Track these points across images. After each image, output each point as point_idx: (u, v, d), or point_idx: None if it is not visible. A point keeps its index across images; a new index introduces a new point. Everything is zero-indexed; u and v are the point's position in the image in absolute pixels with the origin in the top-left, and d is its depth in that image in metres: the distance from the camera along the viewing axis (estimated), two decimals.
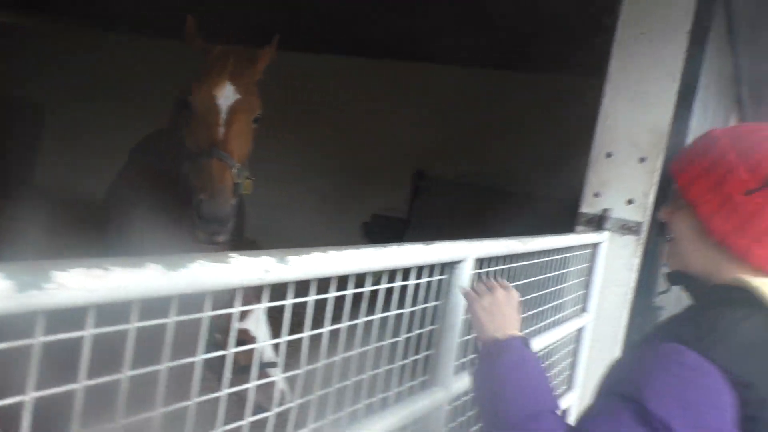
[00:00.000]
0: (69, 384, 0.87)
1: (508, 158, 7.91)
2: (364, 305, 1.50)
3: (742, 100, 6.43)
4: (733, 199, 1.29)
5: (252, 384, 1.30)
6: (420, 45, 8.36)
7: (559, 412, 1.36)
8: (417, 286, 1.73)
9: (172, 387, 1.09)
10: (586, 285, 3.39)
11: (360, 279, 1.46)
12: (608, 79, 3.39)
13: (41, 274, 0.74)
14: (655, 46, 3.27)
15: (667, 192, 3.11)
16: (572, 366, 3.43)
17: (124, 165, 3.71)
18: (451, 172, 8.62)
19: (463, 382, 1.93)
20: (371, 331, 1.59)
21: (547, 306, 2.83)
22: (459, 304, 1.82)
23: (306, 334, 1.34)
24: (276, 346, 2.15)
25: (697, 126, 3.63)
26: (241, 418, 1.22)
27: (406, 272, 1.64)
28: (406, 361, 1.77)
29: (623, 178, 3.35)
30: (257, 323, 2.04)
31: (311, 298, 1.33)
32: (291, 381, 2.05)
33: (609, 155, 3.39)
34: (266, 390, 1.89)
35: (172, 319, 0.98)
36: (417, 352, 1.83)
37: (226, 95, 2.39)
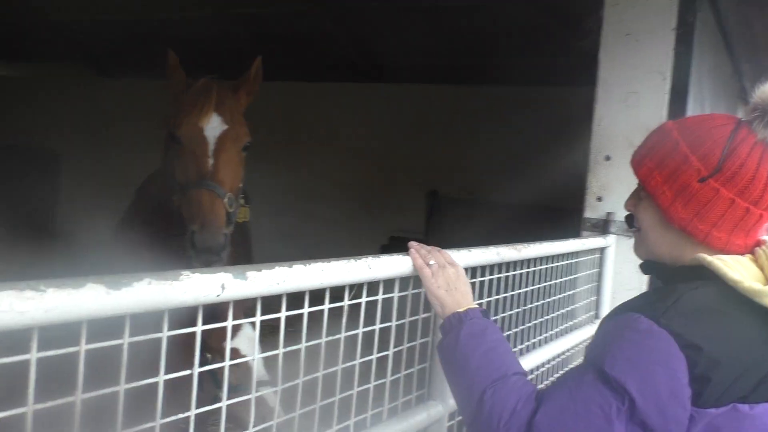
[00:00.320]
0: (19, 407, 0.87)
1: (517, 172, 7.87)
2: (344, 319, 1.49)
3: (746, 93, 6.35)
4: (689, 187, 1.36)
5: (225, 402, 1.28)
6: (421, 66, 8.46)
7: (525, 375, 1.44)
8: (405, 297, 1.71)
9: (141, 406, 1.08)
10: (597, 291, 3.33)
11: (340, 291, 1.45)
12: (599, 82, 3.37)
13: None
14: (642, 46, 3.25)
15: None
16: None
17: (129, 203, 3.77)
18: (463, 190, 8.60)
19: None
20: (358, 345, 1.57)
21: (555, 314, 2.78)
22: None
23: (280, 351, 1.33)
24: (264, 362, 2.14)
25: None
26: None
27: (389, 284, 1.63)
28: (398, 375, 1.74)
29: (624, 180, 3.30)
30: (249, 342, 2.02)
31: (290, 312, 1.32)
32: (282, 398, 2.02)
33: (608, 158, 3.36)
34: (259, 409, 1.87)
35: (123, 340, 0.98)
36: (410, 366, 1.81)
37: (212, 126, 2.41)
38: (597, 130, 3.42)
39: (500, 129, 8.13)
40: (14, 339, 0.79)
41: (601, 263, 3.29)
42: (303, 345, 1.38)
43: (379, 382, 1.65)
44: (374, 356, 1.62)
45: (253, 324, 1.30)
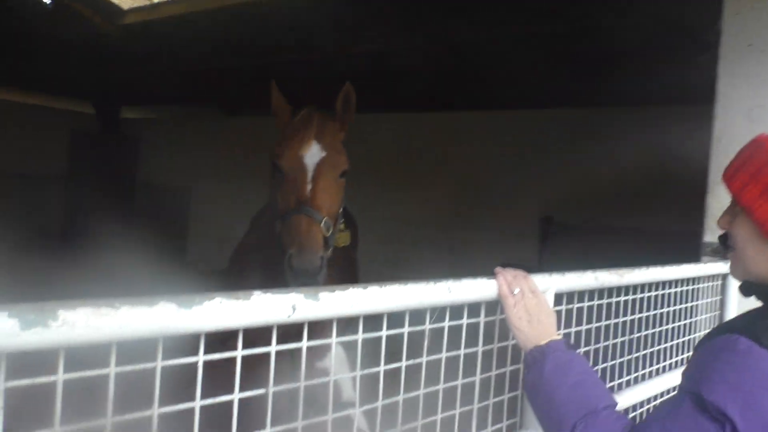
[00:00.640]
0: (100, 419, 0.93)
1: (638, 196, 7.51)
2: (426, 343, 1.48)
3: None
4: None
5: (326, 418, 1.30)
6: (534, 92, 8.37)
7: (615, 407, 1.38)
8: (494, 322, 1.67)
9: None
10: (719, 320, 3.08)
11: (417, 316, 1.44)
12: (717, 98, 3.17)
13: (48, 313, 0.81)
14: (767, 56, 3.03)
15: None
16: None
17: (245, 232, 3.97)
18: (580, 216, 8.30)
19: None
20: (441, 370, 1.55)
21: (667, 344, 2.61)
22: None
23: (357, 373, 1.34)
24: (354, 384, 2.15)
25: None
26: None
27: (475, 308, 1.60)
28: (487, 403, 1.70)
29: None
30: (339, 362, 2.05)
31: (367, 335, 1.33)
32: (370, 420, 2.03)
33: None
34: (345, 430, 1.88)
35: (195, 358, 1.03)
36: (500, 393, 1.76)
37: (312, 154, 2.50)
38: (716, 148, 3.21)
39: (617, 151, 7.80)
40: (87, 354, 0.85)
41: (723, 290, 3.05)
42: (381, 368, 1.38)
43: (465, 409, 1.61)
44: (459, 381, 1.59)
45: (343, 345, 1.32)
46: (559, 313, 1.79)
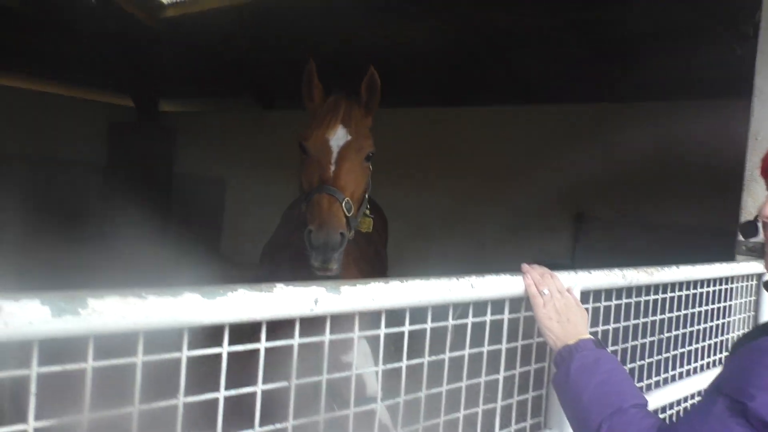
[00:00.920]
0: (126, 407, 0.96)
1: (675, 191, 7.36)
2: (448, 339, 1.48)
3: None
4: None
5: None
6: (566, 85, 8.28)
7: (645, 406, 1.35)
8: (517, 319, 1.67)
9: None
10: (754, 321, 3.02)
11: (443, 311, 1.45)
12: (755, 92, 3.09)
13: (78, 301, 0.84)
14: None
15: None
16: None
17: (277, 226, 4.02)
18: (614, 211, 8.17)
19: None
20: (464, 367, 1.55)
21: (697, 345, 2.56)
22: None
23: (379, 368, 1.35)
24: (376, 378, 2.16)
25: None
26: None
27: (499, 305, 1.60)
28: (510, 401, 1.69)
29: None
30: (364, 357, 2.06)
31: (390, 329, 1.34)
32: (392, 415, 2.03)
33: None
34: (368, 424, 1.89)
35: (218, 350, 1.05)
36: (524, 392, 1.75)
37: (337, 137, 2.53)
38: (753, 145, 3.13)
39: (652, 144, 7.66)
40: (112, 344, 0.88)
41: (758, 291, 2.99)
42: (404, 363, 1.39)
43: (489, 406, 1.61)
44: (482, 379, 1.59)
45: (367, 339, 1.34)
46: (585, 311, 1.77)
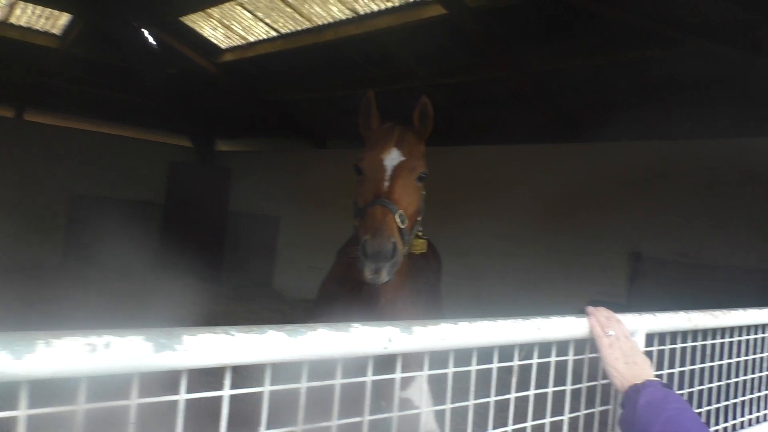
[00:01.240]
0: None
1: (735, 230, 7.16)
2: (514, 379, 1.49)
3: None
4: None
5: None
6: (617, 123, 8.24)
7: None
8: (582, 361, 1.67)
9: None
10: None
11: (508, 351, 1.47)
12: None
13: (175, 338, 0.90)
14: None
15: None
16: None
17: (332, 264, 4.08)
18: (672, 251, 7.98)
19: None
20: (530, 407, 1.56)
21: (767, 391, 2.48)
22: None
23: (447, 407, 1.37)
24: (440, 418, 2.16)
25: None
26: None
27: (563, 346, 1.60)
28: None
29: None
30: (420, 393, 2.07)
31: (457, 369, 1.37)
32: None
33: None
34: None
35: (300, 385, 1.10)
36: None
37: (391, 156, 2.61)
38: None
39: (709, 183, 7.50)
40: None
41: None
42: (471, 402, 1.41)
43: None
44: (547, 420, 1.59)
45: (428, 377, 1.37)
46: (650, 354, 1.76)
